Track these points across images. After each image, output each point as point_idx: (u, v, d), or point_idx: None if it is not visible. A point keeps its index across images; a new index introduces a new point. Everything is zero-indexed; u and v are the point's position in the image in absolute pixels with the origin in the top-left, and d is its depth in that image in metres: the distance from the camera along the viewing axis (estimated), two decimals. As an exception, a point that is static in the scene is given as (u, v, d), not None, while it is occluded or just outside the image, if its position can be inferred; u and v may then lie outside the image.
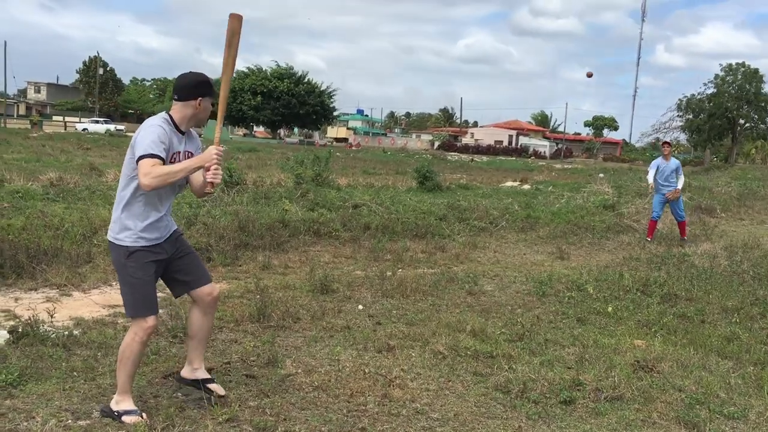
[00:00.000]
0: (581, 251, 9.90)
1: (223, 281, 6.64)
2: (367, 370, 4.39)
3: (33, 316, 4.65)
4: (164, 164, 3.25)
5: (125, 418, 3.37)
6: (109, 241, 3.47)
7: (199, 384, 3.77)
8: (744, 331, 5.75)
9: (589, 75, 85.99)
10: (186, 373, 3.82)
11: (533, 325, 5.61)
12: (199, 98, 3.45)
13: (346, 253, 8.54)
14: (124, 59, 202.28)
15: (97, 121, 58.80)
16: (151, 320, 3.43)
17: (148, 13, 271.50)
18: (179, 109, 3.45)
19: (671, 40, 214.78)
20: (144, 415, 3.41)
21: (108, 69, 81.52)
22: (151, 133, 3.27)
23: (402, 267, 7.84)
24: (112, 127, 55.60)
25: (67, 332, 4.61)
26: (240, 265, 7.34)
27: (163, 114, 3.46)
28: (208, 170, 3.33)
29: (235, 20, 3.47)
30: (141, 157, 3.19)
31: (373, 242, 8.86)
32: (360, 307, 5.99)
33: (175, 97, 3.47)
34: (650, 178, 11.16)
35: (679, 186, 10.97)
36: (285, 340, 4.94)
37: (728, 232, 12.82)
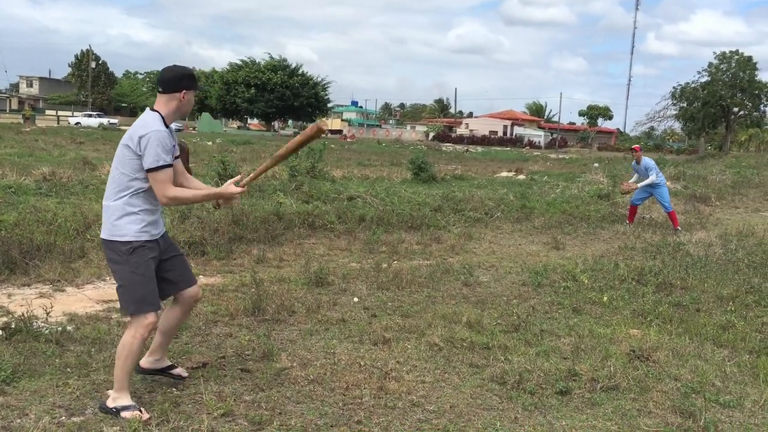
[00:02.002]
0: (576, 241, 9.90)
1: (217, 275, 6.62)
2: (362, 363, 4.38)
3: (27, 312, 4.62)
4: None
5: (124, 413, 3.36)
6: (106, 240, 3.43)
7: (163, 372, 3.84)
8: (739, 319, 5.75)
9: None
10: (146, 363, 3.80)
11: (528, 316, 5.60)
12: (183, 91, 3.47)
13: (341, 245, 8.51)
14: (114, 52, 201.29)
15: (90, 115, 58.42)
16: (151, 317, 3.43)
17: (136, 6, 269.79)
18: (165, 103, 3.47)
19: (662, 28, 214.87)
20: (143, 410, 3.40)
21: (100, 62, 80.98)
22: (159, 140, 3.31)
23: (397, 259, 7.83)
24: (105, 120, 55.26)
25: (60, 328, 4.58)
26: (234, 259, 7.31)
27: (155, 114, 3.44)
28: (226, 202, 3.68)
29: (317, 129, 3.78)
30: (155, 169, 3.28)
31: (368, 234, 8.85)
32: (355, 299, 5.97)
33: (160, 90, 3.49)
34: (633, 177, 11.76)
35: (642, 183, 11.23)
36: (280, 334, 4.92)
37: (723, 220, 12.84)
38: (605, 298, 6.27)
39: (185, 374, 3.88)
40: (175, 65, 3.54)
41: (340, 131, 79.40)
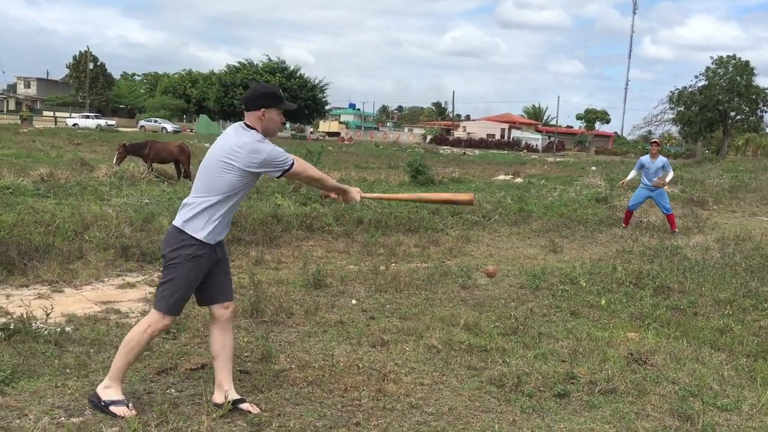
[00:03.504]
0: (574, 244, 9.92)
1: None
2: (361, 365, 4.39)
3: (26, 312, 4.61)
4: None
5: (113, 408, 3.37)
6: (177, 228, 3.41)
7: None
8: (736, 323, 5.76)
9: None
10: (217, 398, 3.62)
11: (527, 319, 5.61)
12: (263, 109, 3.47)
13: (339, 247, 8.52)
14: (111, 53, 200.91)
15: (87, 116, 58.38)
16: (168, 320, 3.46)
17: (133, 7, 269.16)
18: (252, 120, 3.50)
19: (658, 33, 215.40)
20: (131, 404, 3.40)
21: (98, 64, 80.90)
22: (272, 151, 3.38)
23: (395, 261, 7.84)
24: (102, 122, 55.24)
25: (59, 329, 4.57)
26: (233, 261, 7.30)
27: (252, 132, 3.45)
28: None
29: (470, 199, 4.16)
30: (285, 171, 3.43)
31: (366, 237, 8.86)
32: (353, 301, 5.98)
33: (243, 107, 3.54)
34: (631, 174, 11.81)
35: (668, 179, 11.25)
36: (279, 336, 4.93)
37: (720, 224, 12.86)
38: (603, 302, 6.28)
39: (256, 410, 3.58)
40: (259, 83, 3.58)
41: (337, 134, 79.45)
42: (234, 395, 3.60)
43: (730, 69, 54.05)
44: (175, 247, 3.39)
